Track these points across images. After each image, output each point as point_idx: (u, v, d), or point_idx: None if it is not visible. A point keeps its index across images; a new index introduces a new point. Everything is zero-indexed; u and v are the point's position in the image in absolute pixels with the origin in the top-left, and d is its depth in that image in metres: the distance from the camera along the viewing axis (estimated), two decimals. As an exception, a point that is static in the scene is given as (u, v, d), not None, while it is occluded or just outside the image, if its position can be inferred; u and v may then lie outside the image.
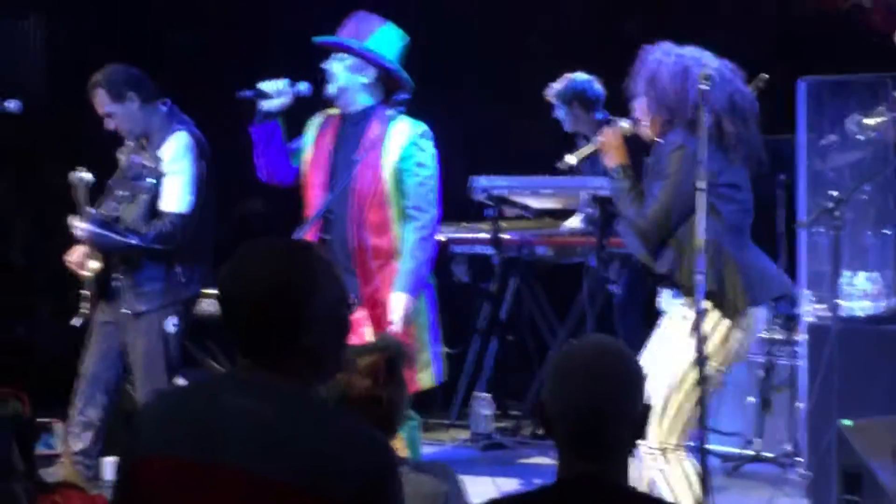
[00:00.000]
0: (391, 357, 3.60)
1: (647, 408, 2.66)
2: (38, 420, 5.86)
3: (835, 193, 5.91)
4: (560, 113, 7.32)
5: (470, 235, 7.51)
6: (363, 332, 5.01)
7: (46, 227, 7.12)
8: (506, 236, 7.26)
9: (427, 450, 7.13)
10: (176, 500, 2.52)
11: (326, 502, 2.44)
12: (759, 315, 4.63)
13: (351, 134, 5.20)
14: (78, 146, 6.77)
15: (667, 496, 4.39)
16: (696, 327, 4.20)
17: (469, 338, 7.80)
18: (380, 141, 5.12)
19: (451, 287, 7.40)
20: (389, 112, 5.17)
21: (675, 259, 4.58)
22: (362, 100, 5.20)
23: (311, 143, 5.30)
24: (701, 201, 4.26)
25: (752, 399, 6.65)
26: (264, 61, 6.28)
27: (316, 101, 5.35)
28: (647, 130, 4.77)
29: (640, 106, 4.76)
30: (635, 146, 4.89)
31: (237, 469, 2.48)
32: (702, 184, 4.26)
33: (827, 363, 5.76)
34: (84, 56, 6.79)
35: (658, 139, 4.74)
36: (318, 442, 2.48)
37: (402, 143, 5.13)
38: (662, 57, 4.66)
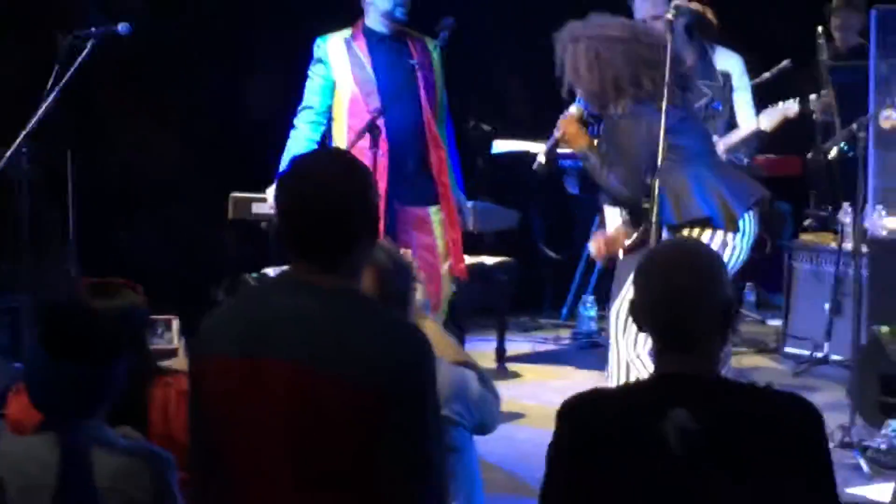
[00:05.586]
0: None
1: (730, 300, 2.70)
2: (157, 317, 6.17)
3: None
4: None
5: (580, 151, 8.04)
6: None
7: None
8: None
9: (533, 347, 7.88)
10: (230, 396, 2.68)
11: (367, 390, 2.57)
12: (752, 217, 5.03)
13: (389, 50, 5.61)
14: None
15: None
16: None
17: (580, 245, 8.43)
18: (428, 60, 5.59)
19: (563, 198, 8.04)
20: (415, 32, 5.64)
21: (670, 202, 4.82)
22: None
23: (346, 62, 5.58)
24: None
25: (826, 305, 7.15)
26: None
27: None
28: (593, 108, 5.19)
29: (579, 91, 5.13)
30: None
31: (284, 363, 2.61)
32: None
33: (870, 275, 6.32)
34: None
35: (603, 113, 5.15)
36: (361, 335, 2.62)
37: (438, 64, 5.66)
38: (572, 44, 5.01)
